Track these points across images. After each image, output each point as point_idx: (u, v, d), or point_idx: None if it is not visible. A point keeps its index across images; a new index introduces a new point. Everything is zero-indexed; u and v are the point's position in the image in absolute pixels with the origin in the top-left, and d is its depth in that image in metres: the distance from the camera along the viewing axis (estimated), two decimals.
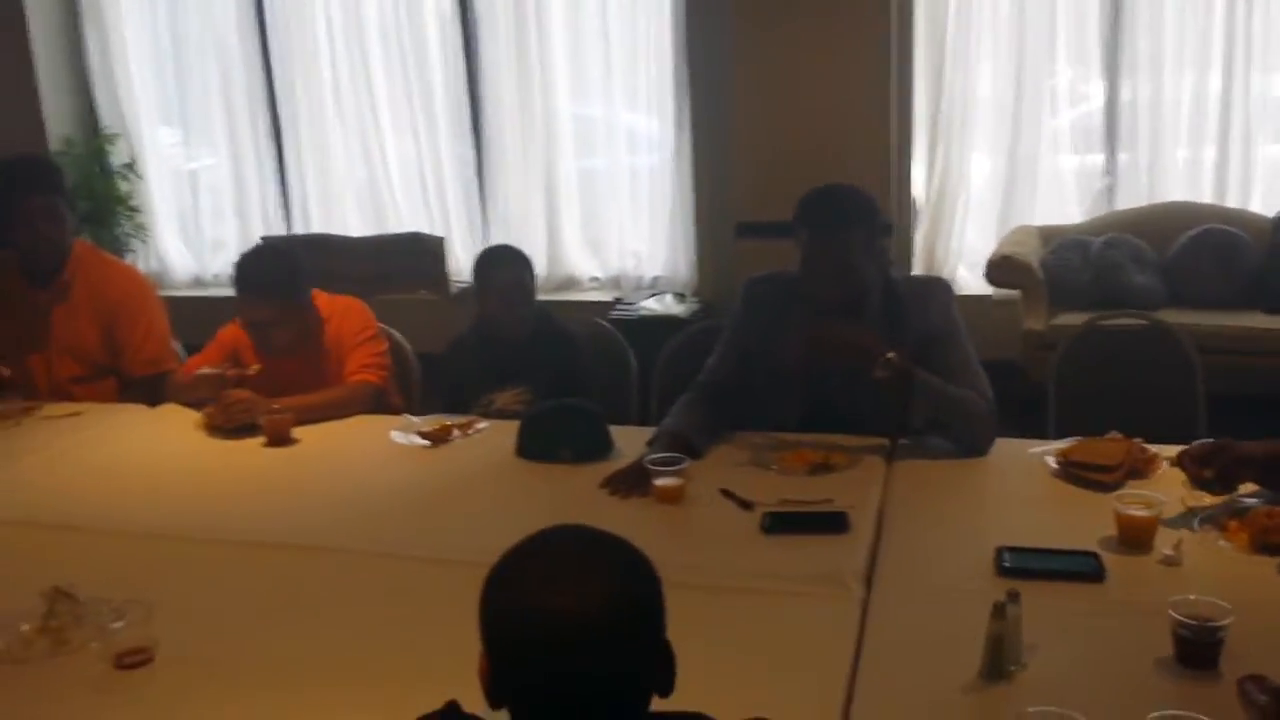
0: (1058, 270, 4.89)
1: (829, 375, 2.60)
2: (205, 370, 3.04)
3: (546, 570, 1.13)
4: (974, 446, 2.50)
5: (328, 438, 2.87)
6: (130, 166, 6.31)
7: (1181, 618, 1.64)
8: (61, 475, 2.68)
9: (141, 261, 6.40)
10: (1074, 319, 3.99)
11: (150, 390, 3.20)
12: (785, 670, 1.71)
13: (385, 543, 2.27)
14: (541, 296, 5.72)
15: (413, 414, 3.04)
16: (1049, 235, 5.19)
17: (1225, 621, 1.63)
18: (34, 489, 2.60)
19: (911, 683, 1.66)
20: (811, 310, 2.56)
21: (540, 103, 5.79)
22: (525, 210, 5.94)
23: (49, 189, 3.14)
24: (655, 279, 5.79)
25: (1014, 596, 1.68)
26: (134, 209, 6.32)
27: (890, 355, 2.42)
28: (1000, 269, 4.89)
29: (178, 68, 6.37)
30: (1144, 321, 3.32)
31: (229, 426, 2.85)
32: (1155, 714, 1.40)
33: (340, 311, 3.21)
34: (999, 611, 1.65)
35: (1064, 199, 5.45)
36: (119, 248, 6.37)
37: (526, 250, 5.60)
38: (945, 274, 5.52)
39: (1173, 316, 4.58)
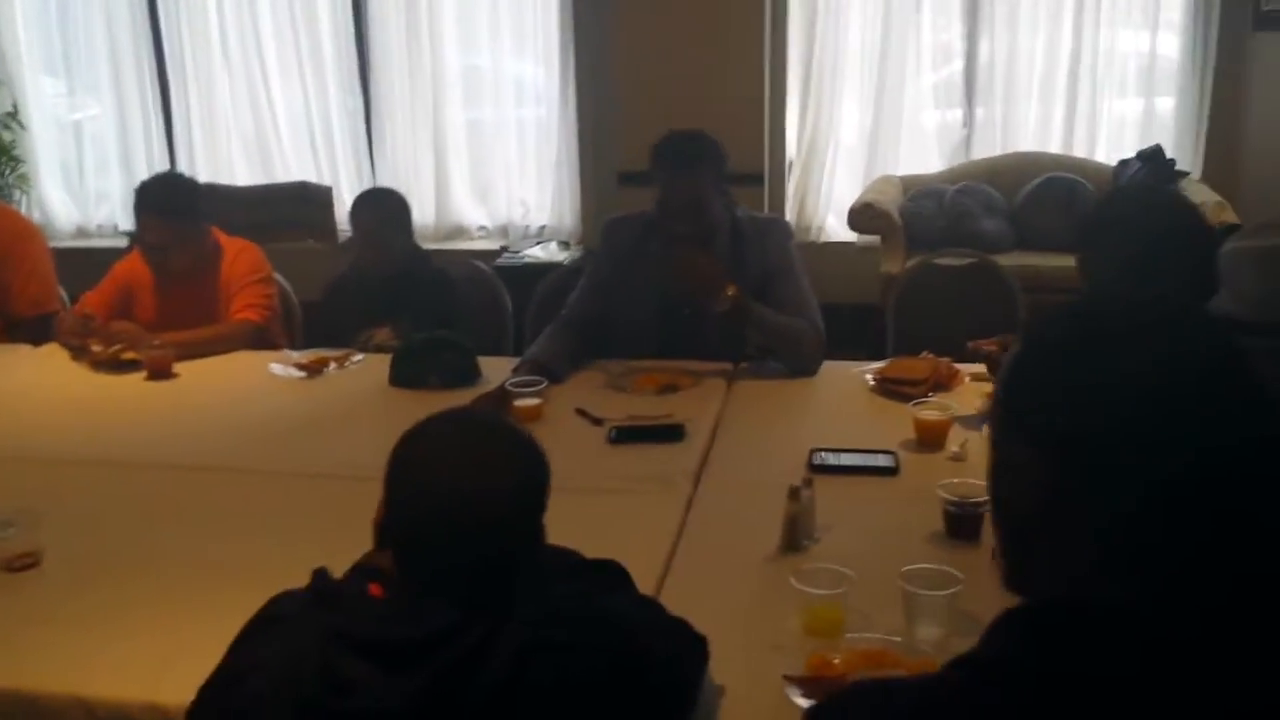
0: (914, 217, 5.21)
1: (679, 309, 2.84)
2: (85, 313, 3.17)
3: (456, 445, 1.31)
4: (802, 368, 2.77)
5: (208, 371, 3.03)
6: (13, 115, 6.25)
7: (948, 496, 1.93)
8: None
9: (23, 211, 6.37)
10: (951, 260, 4.28)
11: (36, 331, 3.31)
12: (615, 552, 1.94)
13: (262, 461, 2.44)
14: (430, 245, 5.94)
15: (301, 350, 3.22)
16: (909, 184, 5.50)
17: (985, 499, 1.92)
18: None
19: (722, 556, 1.92)
20: (666, 245, 2.79)
21: (429, 52, 5.89)
22: (414, 160, 6.05)
23: None
24: (542, 228, 5.97)
25: (807, 483, 1.95)
26: (16, 159, 6.28)
27: (730, 291, 2.66)
28: (862, 216, 5.19)
29: (61, 16, 6.30)
30: (973, 259, 3.63)
31: (108, 357, 2.99)
32: (908, 567, 1.68)
33: (236, 251, 3.36)
34: (794, 494, 1.91)
35: (926, 151, 5.77)
36: (6, 195, 6.34)
37: (414, 199, 5.78)
38: (815, 221, 5.83)
39: (1017, 258, 4.96)
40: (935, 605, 1.63)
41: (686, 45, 5.28)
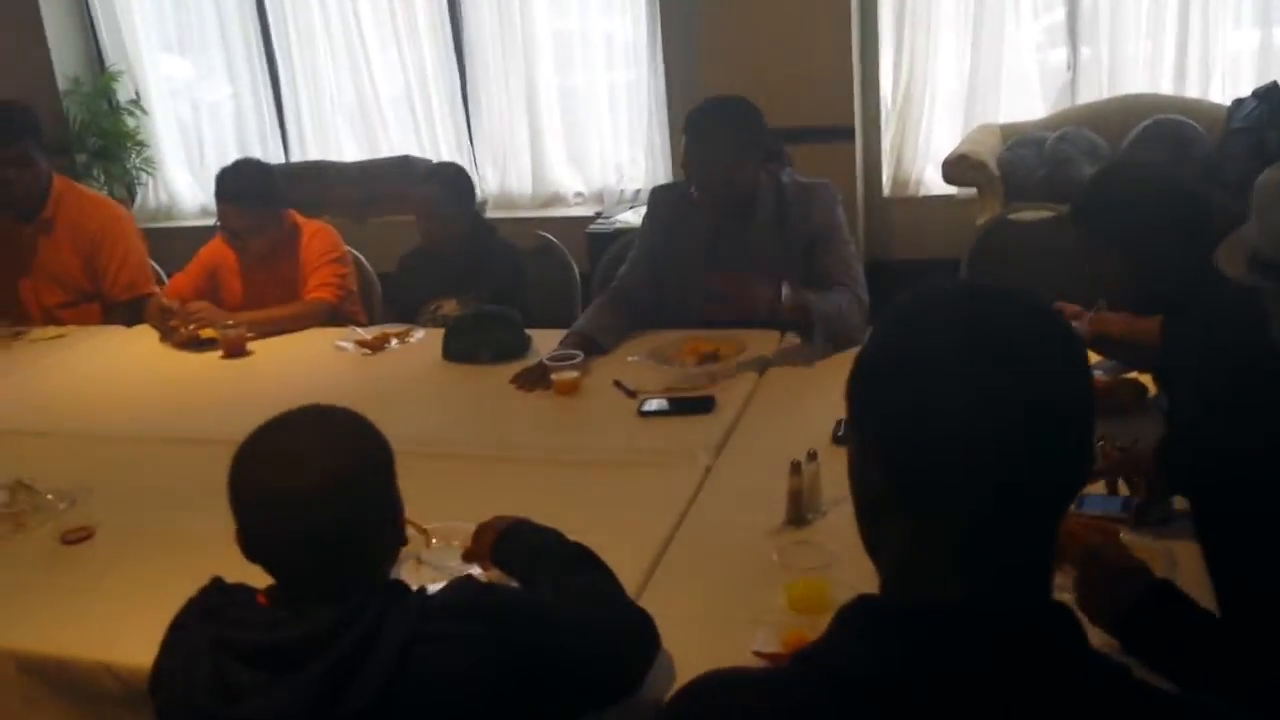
0: (1013, 167, 5.04)
1: (726, 269, 2.83)
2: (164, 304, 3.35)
3: (268, 447, 1.35)
4: (850, 340, 2.72)
5: (281, 349, 3.17)
6: (136, 102, 6.58)
7: None
8: (40, 389, 3.01)
9: (151, 195, 6.72)
10: (1029, 215, 4.15)
11: (130, 313, 3.51)
12: (625, 524, 1.97)
13: None
14: (528, 213, 6.04)
15: (377, 325, 3.34)
16: (1010, 133, 5.31)
17: None
18: (14, 403, 2.92)
19: (726, 530, 1.93)
20: (705, 214, 2.79)
21: (519, 18, 5.95)
22: (509, 128, 6.14)
23: (16, 136, 3.39)
24: (636, 192, 5.98)
25: (812, 456, 1.93)
26: (141, 143, 6.61)
27: (787, 301, 2.61)
28: (957, 168, 5.04)
29: (175, 3, 6.59)
30: (1054, 213, 3.50)
31: (188, 336, 3.15)
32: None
33: (312, 232, 3.49)
34: (796, 469, 1.90)
35: (1029, 96, 5.56)
36: (130, 182, 6.69)
37: (511, 168, 5.84)
38: (914, 175, 5.69)
39: None
40: None
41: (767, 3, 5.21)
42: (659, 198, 2.99)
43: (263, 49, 6.42)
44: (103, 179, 6.55)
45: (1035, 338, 0.90)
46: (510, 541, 1.68)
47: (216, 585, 1.37)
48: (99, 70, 6.63)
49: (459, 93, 6.19)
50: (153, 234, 5.41)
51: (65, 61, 6.50)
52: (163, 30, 6.65)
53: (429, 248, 3.46)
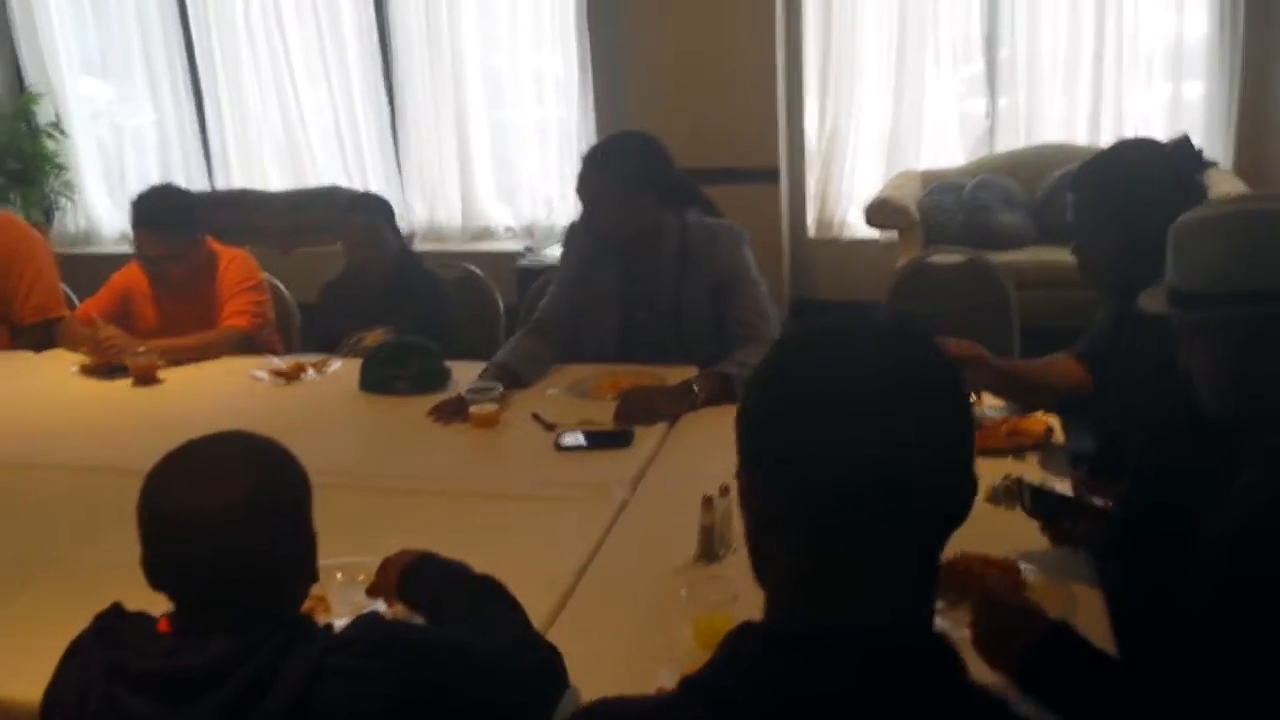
0: (932, 212, 5.15)
1: (636, 312, 2.85)
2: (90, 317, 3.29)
3: (179, 469, 1.32)
4: None
5: (193, 376, 3.12)
6: (56, 125, 6.46)
7: None
8: None
9: (70, 219, 6.59)
10: (944, 258, 4.23)
11: (40, 337, 3.43)
12: (535, 559, 1.96)
13: None
14: (457, 246, 6.02)
15: (293, 355, 3.29)
16: (930, 179, 5.43)
17: None
18: None
19: (637, 565, 1.92)
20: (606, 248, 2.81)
21: (449, 53, 5.97)
22: (439, 161, 6.14)
23: None
24: (567, 227, 5.99)
25: (724, 491, 1.94)
26: (60, 167, 6.48)
27: (695, 397, 2.58)
28: (879, 211, 5.14)
29: (99, 26, 6.50)
30: (966, 257, 3.58)
31: (101, 364, 3.09)
32: None
33: (228, 260, 3.44)
34: (708, 503, 1.91)
35: (949, 143, 5.69)
36: (48, 206, 6.55)
37: (440, 200, 5.83)
38: (838, 217, 5.79)
39: (1035, 253, 4.88)
40: None
41: (697, 40, 5.29)
42: (573, 229, 3.00)
43: (188, 74, 6.37)
44: (19, 203, 6.41)
45: (917, 371, 0.92)
46: (416, 576, 1.66)
47: (115, 611, 1.33)
48: (18, 91, 6.50)
49: (388, 124, 6.17)
50: (71, 260, 5.33)
51: None
52: (85, 52, 6.57)
53: (354, 277, 3.43)
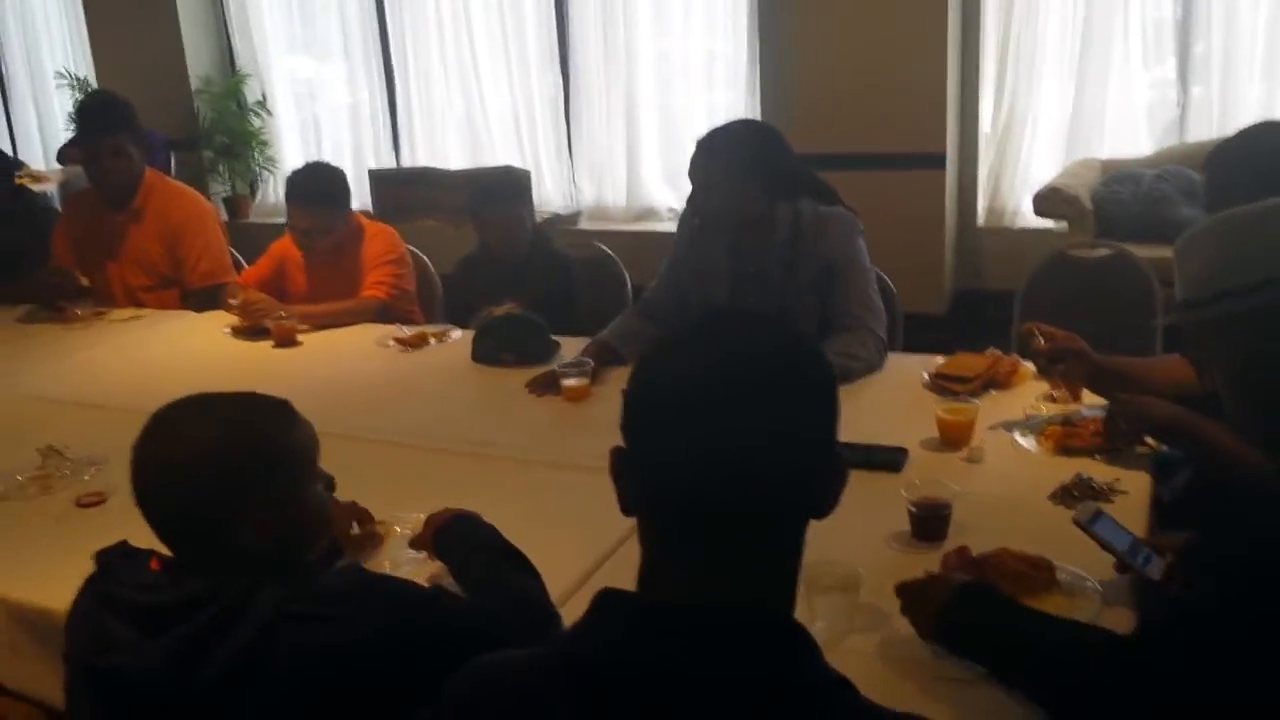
0: (1108, 203, 4.89)
1: (746, 289, 2.85)
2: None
3: (167, 417, 1.41)
4: (868, 374, 2.70)
5: (329, 341, 3.31)
6: (262, 104, 6.94)
7: (910, 497, 1.87)
8: (106, 365, 3.21)
9: (271, 192, 7.06)
10: (1083, 252, 4.03)
11: (205, 299, 3.71)
12: (583, 527, 2.00)
13: (343, 425, 2.64)
14: (621, 226, 6.13)
15: (432, 324, 3.46)
16: (1111, 168, 5.15)
17: (948, 501, 1.85)
18: (76, 376, 3.12)
19: None
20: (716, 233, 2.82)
21: (623, 37, 6.07)
22: (608, 143, 6.26)
23: (115, 128, 3.63)
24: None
25: None
26: (264, 143, 6.96)
27: None
28: (1048, 200, 4.93)
29: (303, 10, 6.93)
30: (1111, 251, 3.39)
31: (248, 326, 3.33)
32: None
33: (374, 234, 3.64)
34: None
35: (1135, 132, 5.38)
36: (252, 179, 7.05)
37: (608, 182, 5.93)
38: (1010, 206, 5.57)
39: None
40: (831, 603, 1.60)
41: (865, 23, 5.19)
42: (687, 217, 3.01)
43: (381, 58, 6.69)
44: (227, 175, 6.93)
45: (767, 366, 0.93)
46: (449, 535, 1.75)
47: (118, 548, 1.45)
48: (230, 72, 7.00)
49: (562, 107, 6.33)
50: (269, 230, 5.71)
51: (198, 62, 6.89)
52: (290, 36, 6.99)
53: (487, 254, 3.56)
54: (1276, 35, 5.00)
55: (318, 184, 3.55)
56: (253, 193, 7.11)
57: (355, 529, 1.96)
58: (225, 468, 1.36)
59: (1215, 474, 1.93)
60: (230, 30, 6.96)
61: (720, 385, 0.91)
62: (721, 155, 2.73)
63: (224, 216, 6.95)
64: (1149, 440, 2.11)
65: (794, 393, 0.93)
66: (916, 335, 3.31)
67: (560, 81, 6.29)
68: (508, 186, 3.68)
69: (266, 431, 1.42)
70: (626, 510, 0.99)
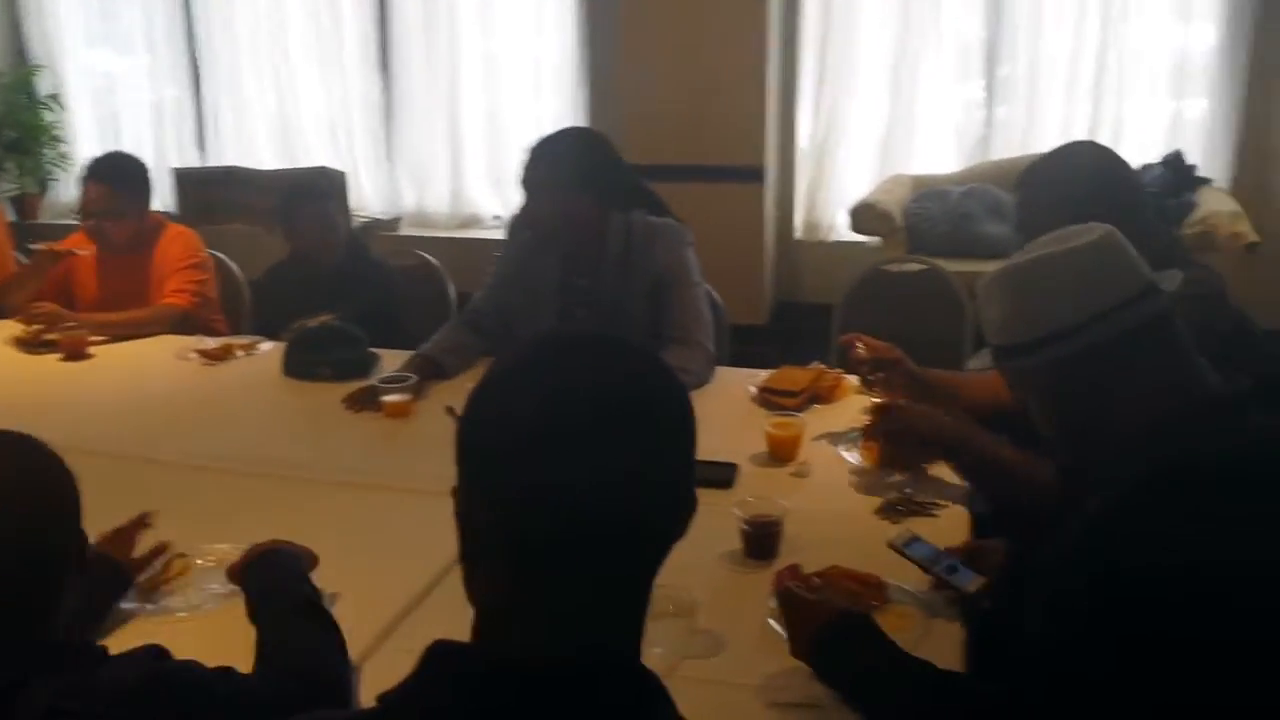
0: (918, 218, 5.06)
1: (573, 309, 2.80)
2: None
3: None
4: (697, 387, 2.69)
5: (124, 354, 3.09)
6: (55, 97, 6.49)
7: (742, 514, 1.85)
8: None
9: (63, 190, 6.60)
10: (897, 266, 4.15)
11: None
12: (406, 552, 1.91)
13: (141, 447, 2.46)
14: (445, 233, 5.99)
15: (239, 335, 3.27)
16: (921, 184, 5.34)
17: (779, 517, 1.84)
18: None
19: None
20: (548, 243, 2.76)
21: (447, 39, 5.93)
22: (429, 146, 6.11)
23: None
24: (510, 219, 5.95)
25: None
26: (57, 139, 6.51)
27: None
28: (863, 216, 5.07)
29: (103, 3, 6.51)
30: (923, 266, 3.50)
31: (33, 336, 3.07)
32: None
33: (173, 236, 3.42)
34: None
35: (944, 149, 5.60)
36: (43, 176, 6.58)
37: (429, 186, 5.78)
38: (826, 220, 5.71)
39: None
40: (667, 630, 1.56)
41: (689, 34, 5.23)
42: (514, 222, 2.95)
43: (188, 54, 6.36)
44: (16, 172, 6.45)
45: (632, 401, 0.87)
46: (254, 571, 1.63)
47: None
48: (20, 62, 6.52)
49: (381, 107, 6.15)
50: (61, 230, 5.30)
51: None
52: (88, 28, 6.57)
53: (300, 262, 3.40)
54: (1078, 59, 5.28)
55: (115, 163, 3.38)
56: (43, 191, 6.63)
57: (156, 565, 1.80)
58: (25, 524, 1.23)
59: (990, 490, 1.97)
60: (22, 19, 6.48)
61: (568, 421, 0.84)
62: (553, 163, 2.67)
63: (11, 216, 6.49)
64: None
65: (650, 427, 0.87)
66: (739, 345, 3.33)
67: (380, 82, 6.11)
68: (318, 186, 3.52)
69: (31, 497, 1.27)
70: (467, 557, 0.90)
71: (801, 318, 5.51)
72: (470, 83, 6.02)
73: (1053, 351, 1.41)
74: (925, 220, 5.05)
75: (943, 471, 2.08)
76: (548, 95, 5.96)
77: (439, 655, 0.87)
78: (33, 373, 2.97)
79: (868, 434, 2.13)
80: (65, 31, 6.49)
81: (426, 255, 3.70)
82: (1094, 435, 1.41)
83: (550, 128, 6.05)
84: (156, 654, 1.31)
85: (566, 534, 0.83)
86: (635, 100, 5.35)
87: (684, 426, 0.91)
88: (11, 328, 3.17)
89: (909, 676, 1.39)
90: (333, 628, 1.52)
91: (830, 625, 1.45)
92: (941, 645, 1.58)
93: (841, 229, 5.60)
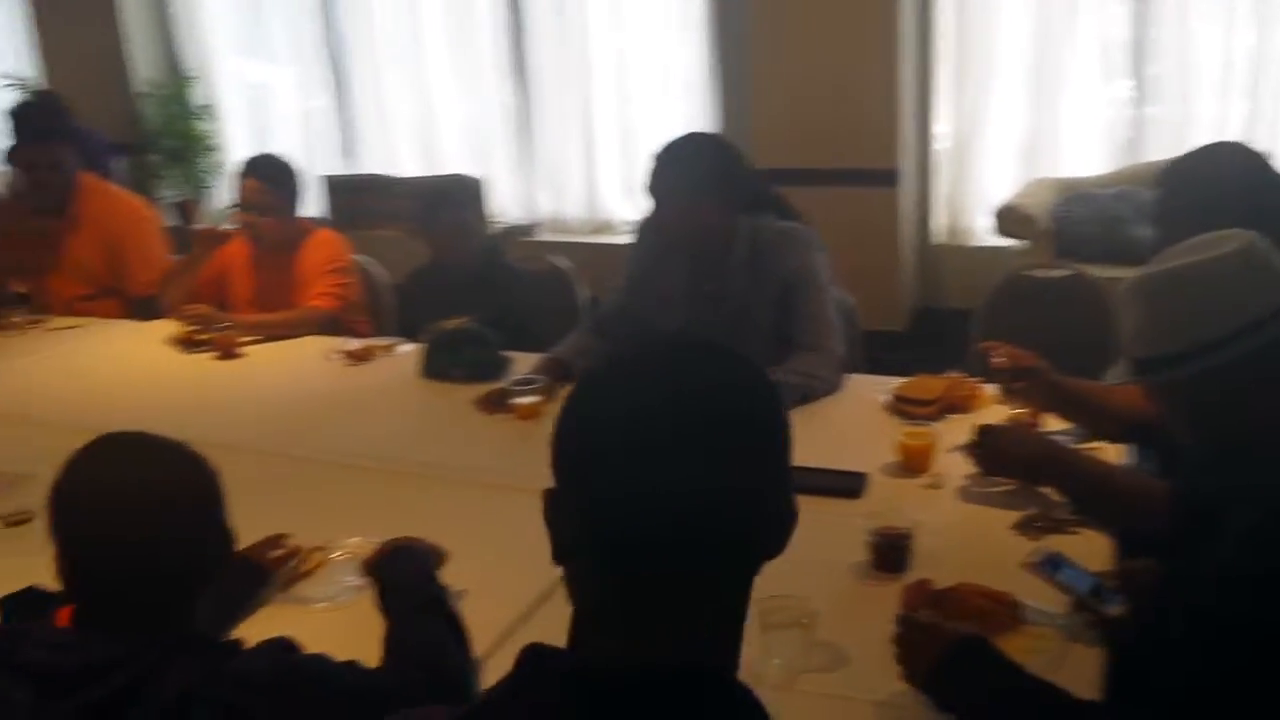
0: (1065, 222, 4.89)
1: (704, 307, 2.79)
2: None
3: (76, 468, 1.32)
4: (827, 395, 2.65)
5: (273, 354, 3.21)
6: (208, 108, 6.80)
7: (871, 526, 1.81)
8: (38, 377, 3.09)
9: (218, 198, 6.91)
10: (1042, 272, 4.01)
11: (149, 309, 3.59)
12: (528, 552, 1.91)
13: (284, 444, 2.56)
14: (579, 239, 6.06)
15: (376, 338, 3.37)
16: (1069, 187, 5.16)
17: (908, 531, 1.80)
18: (11, 388, 3.00)
19: None
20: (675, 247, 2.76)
21: (579, 45, 5.99)
22: (565, 154, 6.18)
23: (47, 135, 3.52)
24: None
25: None
26: (211, 148, 6.82)
27: None
28: (1006, 219, 4.92)
29: (252, 15, 6.79)
30: (1069, 272, 3.38)
31: (189, 337, 3.22)
32: (768, 596, 1.58)
33: (320, 240, 3.54)
34: None
35: (1092, 151, 5.39)
36: (198, 185, 6.90)
37: (564, 192, 5.85)
38: (965, 224, 5.57)
39: None
40: (785, 641, 1.54)
41: (820, 35, 5.16)
42: (644, 225, 2.95)
43: (331, 64, 6.58)
44: (181, 180, 6.79)
45: (712, 403, 0.86)
46: (385, 565, 1.67)
47: (28, 594, 1.36)
48: (176, 74, 6.85)
49: (516, 115, 6.25)
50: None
51: (143, 64, 6.74)
52: (239, 39, 6.85)
53: (438, 267, 3.48)
54: (1231, 56, 5.03)
55: (270, 161, 3.54)
56: (199, 199, 6.96)
57: (292, 563, 1.87)
58: (147, 523, 1.28)
59: (1092, 513, 1.89)
60: (175, 31, 6.81)
61: (665, 425, 0.84)
62: (680, 169, 2.67)
63: (177, 221, 6.83)
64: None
65: (745, 436, 0.87)
66: (876, 352, 3.27)
67: (516, 89, 6.21)
68: (456, 193, 3.60)
69: (185, 487, 1.35)
70: (559, 559, 0.91)
71: (943, 324, 5.38)
72: (602, 88, 6.07)
73: (1196, 365, 1.36)
74: (1073, 224, 4.87)
75: None
76: (678, 100, 5.97)
77: (531, 658, 0.88)
78: (189, 371, 3.12)
79: (968, 453, 2.06)
80: (216, 43, 6.78)
81: (557, 261, 3.74)
82: (1236, 448, 1.35)
83: (680, 132, 6.15)
84: (285, 646, 1.36)
85: (647, 540, 0.83)
86: (766, 104, 5.32)
87: (772, 436, 0.90)
88: (170, 328, 3.32)
89: (1037, 705, 1.33)
90: (457, 623, 1.55)
91: (949, 652, 1.39)
92: (1080, 672, 1.51)
93: (984, 233, 5.45)
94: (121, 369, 3.16)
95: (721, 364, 0.89)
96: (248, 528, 1.99)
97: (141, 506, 1.28)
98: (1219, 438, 1.39)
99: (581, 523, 0.86)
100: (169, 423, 2.59)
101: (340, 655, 1.47)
